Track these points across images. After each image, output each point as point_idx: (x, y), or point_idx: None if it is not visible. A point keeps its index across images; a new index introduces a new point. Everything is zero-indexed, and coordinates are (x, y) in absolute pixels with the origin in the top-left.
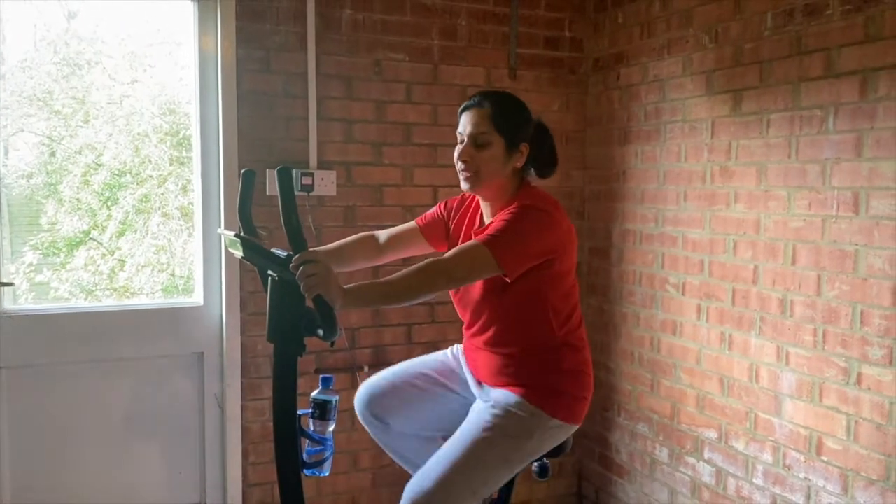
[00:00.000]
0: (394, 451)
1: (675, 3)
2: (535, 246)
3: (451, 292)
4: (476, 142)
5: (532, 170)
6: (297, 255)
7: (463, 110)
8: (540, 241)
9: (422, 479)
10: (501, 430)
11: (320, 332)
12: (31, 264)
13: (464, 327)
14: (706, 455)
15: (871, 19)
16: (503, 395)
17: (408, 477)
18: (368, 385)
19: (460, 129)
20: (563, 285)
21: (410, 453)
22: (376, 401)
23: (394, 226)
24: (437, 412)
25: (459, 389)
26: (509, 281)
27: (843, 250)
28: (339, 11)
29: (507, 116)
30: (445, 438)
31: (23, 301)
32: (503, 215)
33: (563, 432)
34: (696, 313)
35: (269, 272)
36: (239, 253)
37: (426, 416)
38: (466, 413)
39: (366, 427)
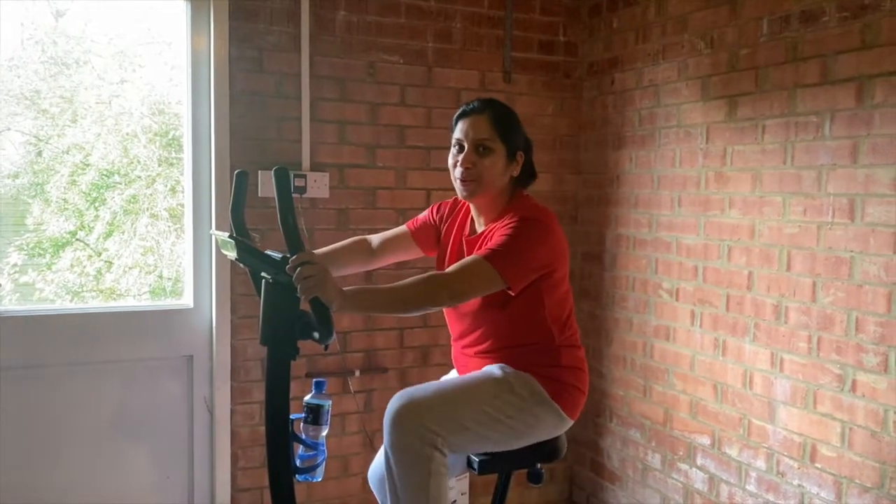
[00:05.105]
0: None
1: (671, 9)
2: (536, 259)
3: None
4: (479, 148)
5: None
6: (295, 256)
7: (461, 116)
8: (541, 253)
9: (413, 392)
10: (509, 385)
11: (316, 334)
12: (15, 265)
13: (453, 339)
14: (699, 461)
15: (867, 26)
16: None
17: None
18: (379, 461)
19: (458, 135)
20: (559, 292)
21: None
22: None
23: (387, 229)
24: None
25: None
26: (513, 294)
27: (839, 257)
28: (333, 12)
29: (508, 124)
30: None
31: (7, 302)
32: (503, 229)
33: (560, 424)
34: (690, 319)
35: (263, 274)
36: (232, 254)
37: None
38: None
39: None
